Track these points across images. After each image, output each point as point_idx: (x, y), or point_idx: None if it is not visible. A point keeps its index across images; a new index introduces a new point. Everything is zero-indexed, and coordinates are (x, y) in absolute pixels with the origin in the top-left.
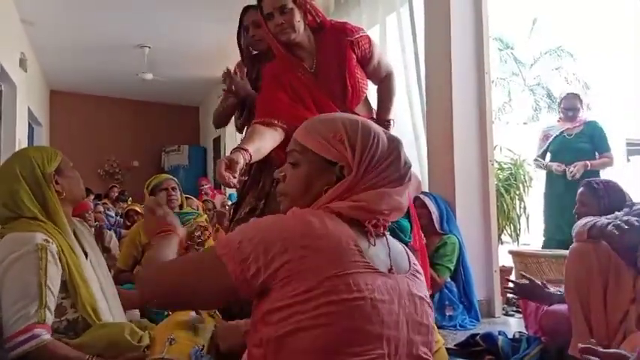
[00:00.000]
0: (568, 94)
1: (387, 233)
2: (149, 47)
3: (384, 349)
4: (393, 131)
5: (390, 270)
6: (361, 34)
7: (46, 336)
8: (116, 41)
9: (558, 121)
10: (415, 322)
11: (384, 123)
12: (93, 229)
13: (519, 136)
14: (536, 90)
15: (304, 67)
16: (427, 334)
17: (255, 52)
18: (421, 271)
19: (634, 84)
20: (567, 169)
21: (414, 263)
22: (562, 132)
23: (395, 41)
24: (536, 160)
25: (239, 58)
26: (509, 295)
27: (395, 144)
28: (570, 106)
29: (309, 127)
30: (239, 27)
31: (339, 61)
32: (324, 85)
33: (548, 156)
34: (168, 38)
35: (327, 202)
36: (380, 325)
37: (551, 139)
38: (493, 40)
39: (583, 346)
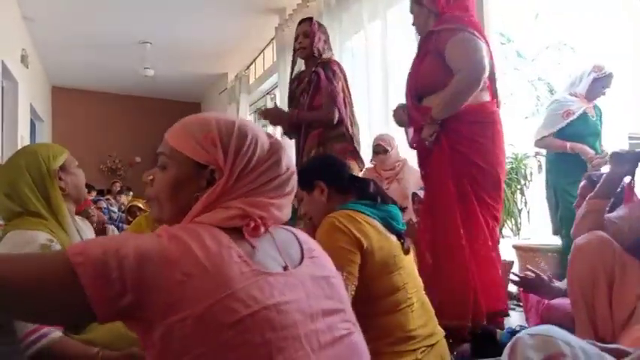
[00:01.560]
0: (609, 72)
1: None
2: (150, 43)
3: (306, 347)
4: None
5: (285, 267)
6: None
7: (56, 333)
8: (118, 37)
9: (576, 96)
10: (327, 305)
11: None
12: (95, 224)
13: (521, 131)
14: (538, 84)
15: None
16: (343, 310)
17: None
18: (314, 246)
19: (635, 78)
20: (594, 157)
21: (304, 243)
22: (585, 111)
23: (396, 35)
24: (548, 138)
25: (240, 55)
26: (511, 289)
27: (276, 147)
28: (609, 85)
29: (180, 127)
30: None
31: None
32: None
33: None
34: (170, 34)
35: (200, 212)
36: (293, 326)
37: (574, 117)
38: (495, 34)
39: None
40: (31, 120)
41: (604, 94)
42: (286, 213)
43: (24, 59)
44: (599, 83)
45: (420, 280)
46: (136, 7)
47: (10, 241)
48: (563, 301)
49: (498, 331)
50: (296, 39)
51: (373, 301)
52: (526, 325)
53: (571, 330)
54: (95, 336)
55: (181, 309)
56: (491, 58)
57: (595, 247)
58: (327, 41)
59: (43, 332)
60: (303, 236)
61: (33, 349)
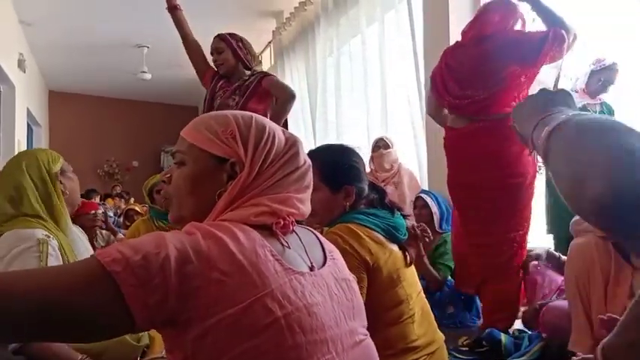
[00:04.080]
0: (614, 63)
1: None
2: (147, 47)
3: (332, 350)
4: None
5: (311, 268)
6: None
7: None
8: (114, 41)
9: (576, 91)
10: (349, 308)
11: None
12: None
13: None
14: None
15: None
16: (360, 314)
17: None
18: (333, 247)
19: None
20: None
21: (324, 244)
22: (585, 106)
23: (393, 39)
24: None
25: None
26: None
27: (292, 140)
28: (611, 79)
29: (197, 122)
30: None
31: None
32: None
33: None
34: (167, 38)
35: (225, 208)
36: (321, 329)
37: None
38: None
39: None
40: (28, 124)
41: (605, 89)
42: (308, 207)
43: (21, 64)
44: (597, 76)
45: (420, 286)
46: (132, 11)
47: (7, 239)
48: (562, 303)
49: (502, 335)
50: (212, 56)
51: (376, 315)
52: (525, 330)
53: (569, 330)
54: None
55: (219, 310)
56: None
57: (593, 246)
58: (251, 50)
59: None
60: (321, 238)
61: (13, 345)
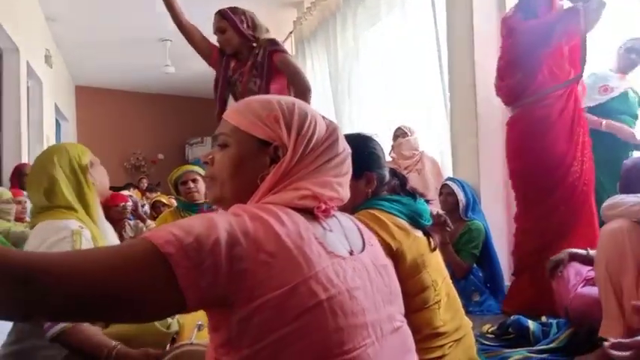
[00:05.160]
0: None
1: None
2: (170, 41)
3: (372, 335)
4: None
5: (351, 252)
6: None
7: None
8: (138, 36)
9: (615, 71)
10: (387, 294)
11: None
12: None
13: None
14: None
15: None
16: (398, 300)
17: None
18: (370, 234)
19: None
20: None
21: (363, 230)
22: (625, 90)
23: (415, 21)
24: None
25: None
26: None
27: (333, 127)
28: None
29: (241, 106)
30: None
31: None
32: None
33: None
34: None
35: (267, 192)
36: (362, 313)
37: (614, 94)
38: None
39: (611, 343)
40: (56, 119)
41: (635, 64)
42: (347, 192)
43: (47, 59)
44: (629, 53)
45: (446, 272)
46: (155, 5)
47: (41, 230)
48: (591, 290)
49: (530, 322)
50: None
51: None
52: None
53: (598, 317)
54: (120, 327)
55: (266, 291)
56: None
57: (625, 231)
58: (254, 21)
59: None
60: (359, 224)
61: (49, 334)
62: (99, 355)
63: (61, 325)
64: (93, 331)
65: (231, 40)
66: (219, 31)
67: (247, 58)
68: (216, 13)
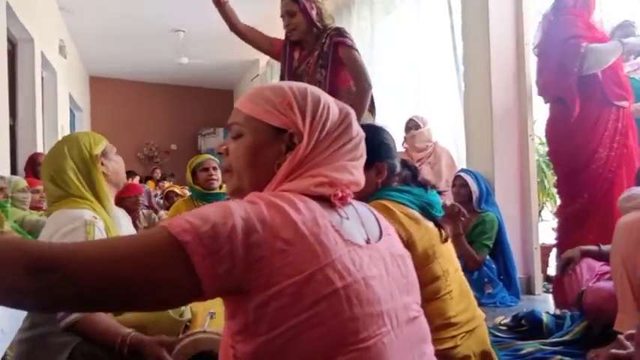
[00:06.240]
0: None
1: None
2: (184, 31)
3: (387, 324)
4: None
5: (367, 241)
6: None
7: None
8: (151, 26)
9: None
10: (403, 284)
11: None
12: (143, 211)
13: None
14: None
15: None
16: (414, 290)
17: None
18: (387, 224)
19: None
20: None
21: (380, 221)
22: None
23: (430, 15)
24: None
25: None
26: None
27: (345, 111)
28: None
29: (253, 94)
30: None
31: None
32: None
33: None
34: (203, 22)
35: (284, 179)
36: (378, 302)
37: None
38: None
39: (628, 333)
40: (71, 109)
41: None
42: (362, 175)
43: (62, 50)
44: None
45: (457, 263)
46: None
47: (55, 219)
48: (606, 284)
49: (544, 314)
50: (283, 20)
51: None
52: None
53: (613, 311)
54: (133, 315)
55: (282, 279)
56: None
57: None
58: (322, 10)
59: None
60: (377, 214)
61: (63, 324)
62: (113, 342)
63: (75, 315)
64: (106, 318)
65: (299, 26)
66: (288, 14)
67: (313, 48)
68: None
